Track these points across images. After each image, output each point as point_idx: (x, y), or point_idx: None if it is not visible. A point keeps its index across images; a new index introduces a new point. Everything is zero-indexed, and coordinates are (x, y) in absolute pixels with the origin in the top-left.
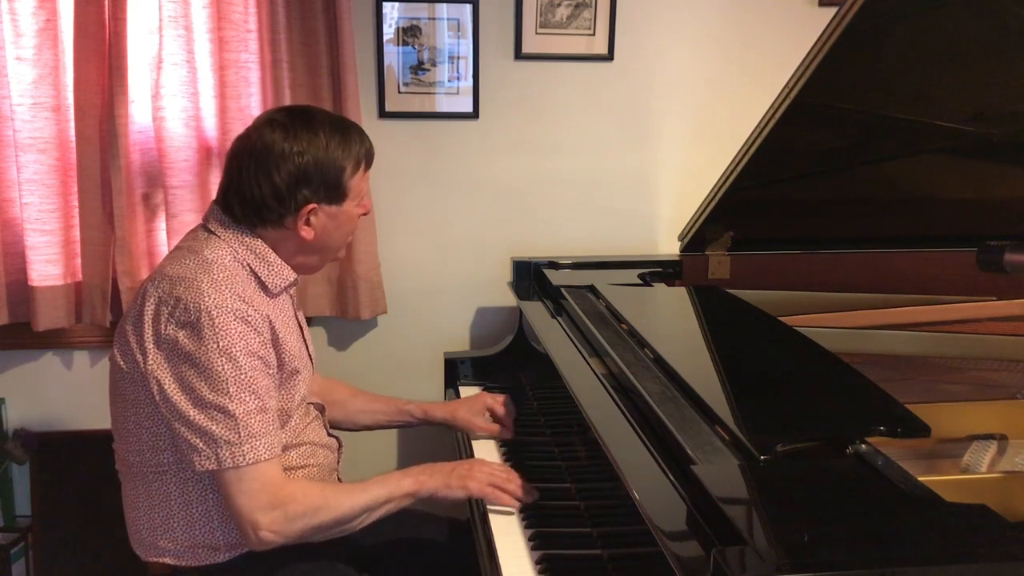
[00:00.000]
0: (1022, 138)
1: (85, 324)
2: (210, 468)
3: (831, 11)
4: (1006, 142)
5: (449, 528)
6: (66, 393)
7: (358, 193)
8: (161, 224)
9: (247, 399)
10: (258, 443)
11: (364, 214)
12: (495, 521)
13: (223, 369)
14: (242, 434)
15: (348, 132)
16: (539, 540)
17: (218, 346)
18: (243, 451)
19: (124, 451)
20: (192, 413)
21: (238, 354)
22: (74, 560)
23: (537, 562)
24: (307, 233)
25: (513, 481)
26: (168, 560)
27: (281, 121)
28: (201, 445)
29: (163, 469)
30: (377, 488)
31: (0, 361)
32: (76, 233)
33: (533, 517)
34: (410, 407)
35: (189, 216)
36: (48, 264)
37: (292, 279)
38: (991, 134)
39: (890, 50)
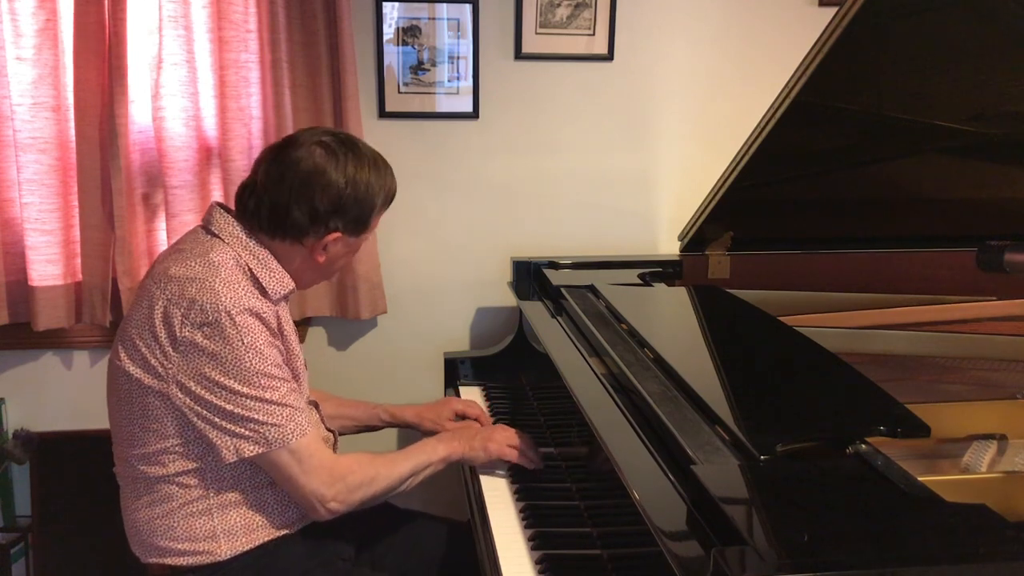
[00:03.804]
0: (1022, 138)
1: (85, 324)
2: (259, 452)
3: (831, 11)
4: (1006, 142)
5: (449, 529)
6: (66, 393)
7: (374, 227)
8: (161, 224)
9: (278, 385)
10: (300, 418)
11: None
12: (495, 521)
13: (251, 363)
14: (284, 414)
15: (383, 170)
16: (539, 540)
17: (243, 342)
18: (290, 429)
19: (126, 454)
20: (229, 407)
21: (262, 346)
22: (74, 560)
23: (537, 562)
24: (321, 257)
25: (531, 449)
26: (168, 561)
27: (331, 147)
28: (246, 432)
29: (166, 471)
30: (417, 455)
31: (0, 361)
32: (76, 233)
33: (533, 517)
34: (377, 410)
35: (189, 216)
36: (48, 264)
37: (291, 287)
38: (991, 134)
39: (890, 50)
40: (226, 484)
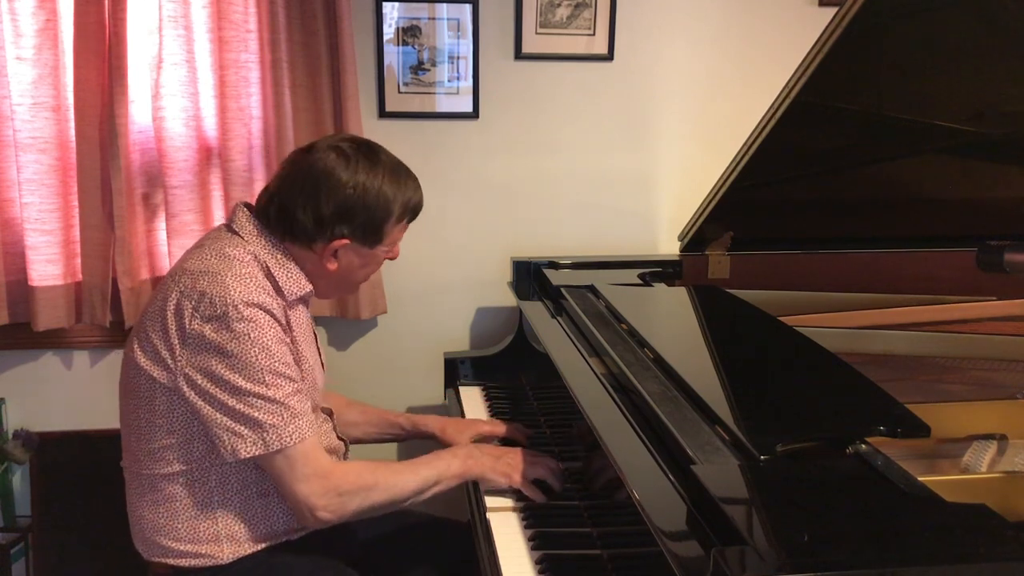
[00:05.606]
0: (1022, 138)
1: (85, 324)
2: (256, 453)
3: (831, 11)
4: (1006, 142)
5: (449, 529)
6: (66, 393)
7: (393, 240)
8: (161, 224)
9: (283, 384)
10: (301, 422)
11: (392, 258)
12: (495, 521)
13: (257, 359)
14: (285, 416)
15: (404, 180)
16: (539, 540)
17: (249, 337)
18: (289, 431)
19: (134, 448)
20: (232, 403)
21: (269, 342)
22: (74, 560)
23: (537, 562)
24: (331, 264)
25: (556, 476)
26: (170, 560)
27: (346, 151)
28: (245, 431)
29: (171, 469)
30: (427, 470)
31: (0, 361)
32: (76, 233)
33: (533, 517)
34: (400, 419)
35: (189, 216)
36: (48, 264)
37: (308, 289)
38: (991, 134)
39: (890, 50)
40: (231, 487)
